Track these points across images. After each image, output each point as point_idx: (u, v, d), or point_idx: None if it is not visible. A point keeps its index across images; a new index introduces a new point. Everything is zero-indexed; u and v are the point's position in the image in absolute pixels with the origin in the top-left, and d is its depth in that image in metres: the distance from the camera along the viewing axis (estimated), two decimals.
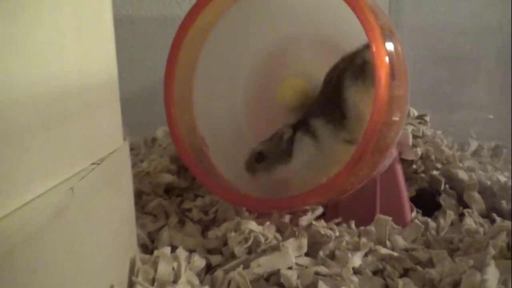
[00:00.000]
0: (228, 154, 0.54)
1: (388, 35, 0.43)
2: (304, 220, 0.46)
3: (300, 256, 0.42)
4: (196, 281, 0.39)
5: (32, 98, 0.25)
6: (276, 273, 0.39)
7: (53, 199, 0.25)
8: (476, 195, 0.52)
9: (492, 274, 0.34)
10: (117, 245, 0.36)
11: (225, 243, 0.44)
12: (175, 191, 0.57)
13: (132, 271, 0.38)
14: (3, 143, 0.22)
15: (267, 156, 0.49)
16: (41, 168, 0.25)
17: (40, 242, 0.23)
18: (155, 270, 0.38)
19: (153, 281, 0.38)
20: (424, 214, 0.53)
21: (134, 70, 0.83)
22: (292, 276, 0.37)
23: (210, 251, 0.45)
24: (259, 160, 0.49)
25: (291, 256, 0.40)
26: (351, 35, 0.45)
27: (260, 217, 0.48)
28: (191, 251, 0.43)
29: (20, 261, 0.21)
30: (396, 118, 0.45)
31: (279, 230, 0.46)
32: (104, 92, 0.35)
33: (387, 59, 0.41)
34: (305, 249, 0.42)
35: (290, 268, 0.39)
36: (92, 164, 0.32)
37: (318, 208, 0.49)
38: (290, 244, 0.41)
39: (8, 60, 0.23)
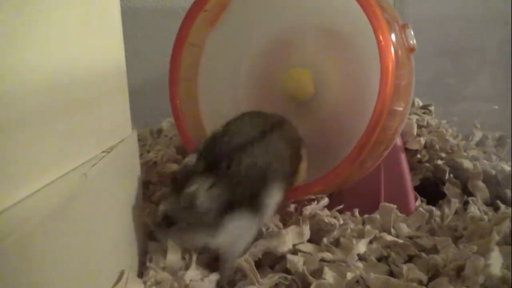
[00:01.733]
0: None
1: (393, 26, 0.43)
2: (308, 210, 0.46)
3: (302, 243, 0.42)
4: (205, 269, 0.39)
5: (45, 87, 0.25)
6: (283, 259, 0.39)
7: (68, 184, 0.25)
8: (481, 183, 0.52)
9: (496, 259, 0.35)
10: (127, 231, 0.37)
11: None
12: None
13: (141, 258, 0.39)
14: (18, 130, 0.23)
15: (176, 220, 0.36)
16: (55, 154, 0.26)
17: (56, 226, 0.23)
18: (165, 258, 0.39)
19: (163, 268, 0.39)
20: (428, 203, 0.53)
21: (139, 62, 0.83)
22: (298, 262, 0.38)
23: None
24: (168, 224, 0.36)
25: (289, 239, 0.40)
26: (356, 25, 0.46)
27: None
28: None
29: (36, 244, 0.22)
30: (400, 108, 0.45)
31: (283, 219, 0.47)
32: (113, 82, 0.36)
33: (392, 50, 0.41)
34: (307, 236, 0.43)
35: (294, 253, 0.40)
36: (103, 152, 0.32)
37: (324, 198, 0.49)
38: (291, 230, 0.42)
39: (20, 51, 0.23)
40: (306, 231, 0.43)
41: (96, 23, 0.33)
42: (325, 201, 0.49)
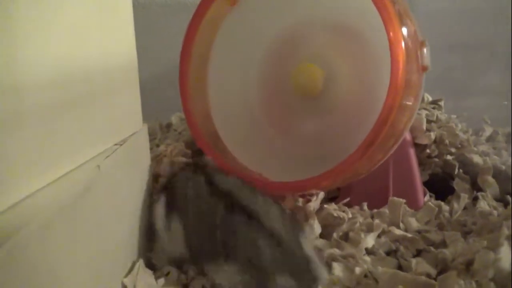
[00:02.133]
0: (242, 140, 0.55)
1: (404, 20, 0.43)
2: (311, 206, 0.46)
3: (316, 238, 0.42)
4: None
5: (60, 82, 0.26)
6: None
7: (82, 176, 0.26)
8: (491, 179, 0.52)
9: (505, 254, 0.35)
10: (137, 223, 0.37)
11: None
12: None
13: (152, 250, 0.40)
14: (34, 123, 0.23)
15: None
16: (70, 146, 0.26)
17: (71, 216, 0.24)
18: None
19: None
20: (437, 199, 0.53)
21: (147, 57, 0.84)
22: None
23: None
24: None
25: None
26: (366, 18, 0.45)
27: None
28: None
29: (52, 235, 0.22)
30: (410, 103, 0.45)
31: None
32: (125, 76, 0.36)
33: (403, 44, 0.41)
34: (318, 231, 0.43)
35: None
36: (115, 145, 0.33)
37: (320, 193, 0.48)
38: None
39: (35, 47, 0.24)
40: (316, 225, 0.43)
41: (108, 19, 0.33)
42: (322, 194, 0.48)
